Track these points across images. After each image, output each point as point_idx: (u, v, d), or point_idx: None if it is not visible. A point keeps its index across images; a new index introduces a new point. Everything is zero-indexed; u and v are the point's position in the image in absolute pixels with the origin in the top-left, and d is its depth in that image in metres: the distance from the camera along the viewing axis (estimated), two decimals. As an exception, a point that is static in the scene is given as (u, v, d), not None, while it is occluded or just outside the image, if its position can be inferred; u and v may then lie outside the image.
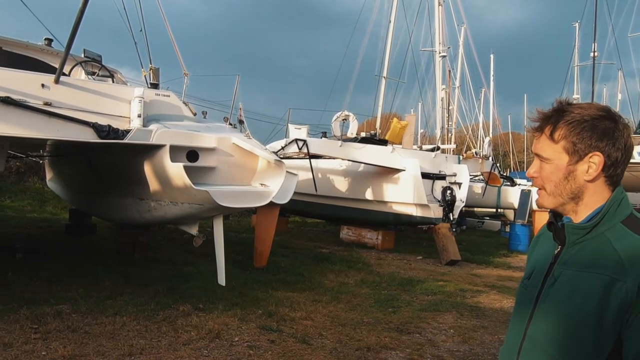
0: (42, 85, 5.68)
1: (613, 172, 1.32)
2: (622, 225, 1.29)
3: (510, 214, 19.59)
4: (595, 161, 1.30)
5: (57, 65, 6.09)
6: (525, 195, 15.81)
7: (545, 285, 1.35)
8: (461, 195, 12.92)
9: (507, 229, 17.75)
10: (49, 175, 12.69)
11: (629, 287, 1.18)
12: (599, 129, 1.29)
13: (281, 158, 7.64)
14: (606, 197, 1.33)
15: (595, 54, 23.54)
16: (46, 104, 5.56)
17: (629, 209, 1.33)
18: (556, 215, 1.42)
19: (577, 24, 36.60)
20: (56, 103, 5.66)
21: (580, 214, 1.35)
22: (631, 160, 1.37)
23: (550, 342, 1.28)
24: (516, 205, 16.27)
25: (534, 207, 15.50)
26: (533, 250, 1.57)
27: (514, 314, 1.51)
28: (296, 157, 12.43)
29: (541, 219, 15.53)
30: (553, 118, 1.35)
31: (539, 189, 1.40)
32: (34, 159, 15.43)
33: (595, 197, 1.33)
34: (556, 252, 1.38)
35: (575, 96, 38.06)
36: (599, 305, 1.21)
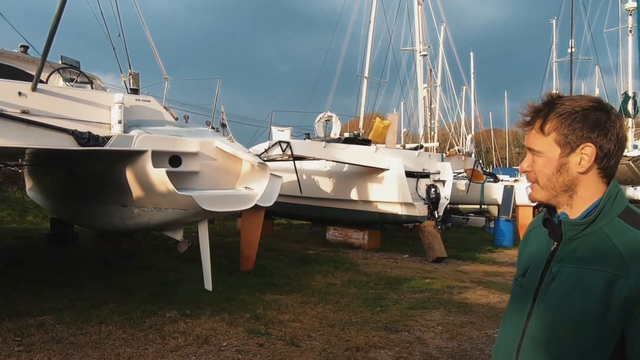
0: (19, 93, 5.58)
1: (606, 164, 1.30)
2: (619, 219, 1.27)
3: (494, 210, 19.79)
4: (587, 152, 1.28)
5: (34, 73, 5.98)
6: (508, 191, 15.98)
7: (543, 282, 1.32)
8: (445, 192, 13.02)
9: (492, 224, 17.94)
10: (28, 184, 12.47)
11: (632, 283, 1.16)
12: (590, 119, 1.27)
13: (265, 160, 7.62)
14: (601, 190, 1.31)
15: (573, 50, 23.96)
16: (24, 112, 5.45)
17: (624, 202, 1.31)
18: (551, 211, 1.40)
19: (554, 21, 37.20)
20: (34, 111, 5.56)
21: (575, 208, 1.33)
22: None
23: (552, 341, 1.26)
24: (500, 201, 16.44)
25: (518, 202, 15.69)
26: (525, 247, 1.54)
27: (509, 311, 1.48)
28: (280, 159, 12.39)
29: (525, 214, 15.73)
30: (544, 111, 1.33)
31: (532, 182, 1.39)
32: (12, 169, 15.15)
33: (590, 190, 1.31)
34: (552, 248, 1.35)
35: (554, 92, 38.61)
36: (602, 302, 1.19)
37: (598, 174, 1.31)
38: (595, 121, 1.27)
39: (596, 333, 1.20)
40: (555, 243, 1.34)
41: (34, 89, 5.69)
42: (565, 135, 1.29)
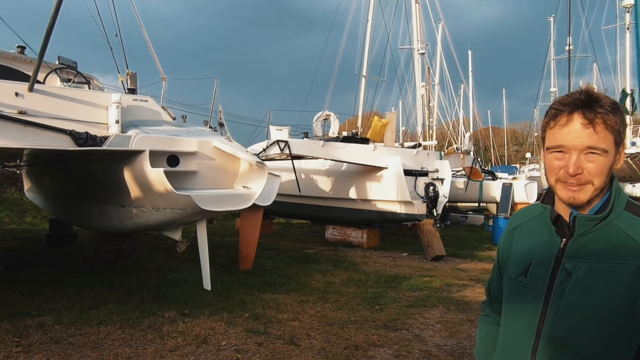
0: (16, 94, 5.57)
1: None
2: (626, 212, 1.29)
3: (493, 208, 19.82)
4: (623, 150, 1.31)
5: (30, 73, 5.97)
6: (506, 189, 16.02)
7: (556, 281, 1.30)
8: (444, 191, 13.02)
9: (490, 222, 17.94)
10: (27, 185, 12.46)
11: None
12: (624, 117, 1.30)
13: (263, 160, 7.62)
14: (608, 185, 1.32)
15: (571, 47, 23.96)
16: (21, 112, 5.45)
17: (625, 195, 1.33)
18: (552, 208, 1.39)
19: (551, 18, 37.32)
20: (31, 111, 5.56)
21: (591, 204, 1.32)
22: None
23: (579, 339, 1.23)
24: (498, 199, 16.48)
25: (516, 200, 15.72)
26: (513, 243, 1.49)
27: (511, 312, 1.44)
28: (278, 158, 12.39)
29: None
30: (595, 106, 1.26)
31: (581, 184, 1.29)
32: (10, 169, 15.13)
33: (606, 186, 1.32)
34: (561, 245, 1.32)
35: (552, 89, 38.74)
36: (630, 294, 1.18)
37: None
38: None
39: (626, 326, 1.19)
40: (564, 240, 1.32)
41: (31, 89, 5.68)
42: (619, 133, 1.28)
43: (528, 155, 39.13)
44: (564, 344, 1.26)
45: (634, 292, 1.18)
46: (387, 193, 12.37)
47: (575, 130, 1.27)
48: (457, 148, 18.66)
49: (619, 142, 1.28)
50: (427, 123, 24.12)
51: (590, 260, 1.25)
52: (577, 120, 1.26)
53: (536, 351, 1.31)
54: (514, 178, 19.21)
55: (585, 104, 1.26)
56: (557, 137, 1.30)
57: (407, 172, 12.40)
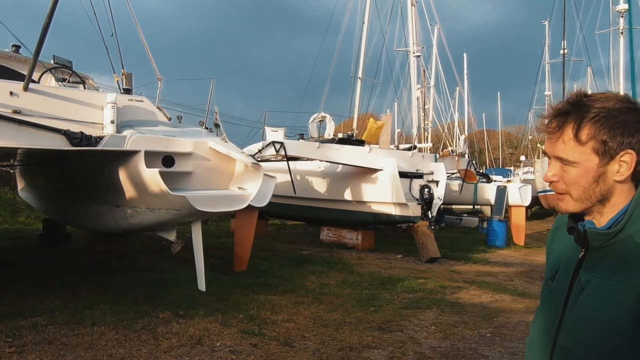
0: (11, 93, 5.55)
1: (639, 168, 1.20)
2: None
3: (487, 210, 19.88)
4: (627, 160, 1.18)
5: (25, 72, 5.95)
6: (501, 192, 16.06)
7: (573, 291, 1.26)
8: (439, 193, 13.06)
9: (485, 225, 18.02)
10: (20, 184, 12.39)
11: None
12: (629, 124, 1.17)
13: (258, 161, 7.62)
14: (630, 194, 1.23)
15: (565, 51, 24.09)
16: (15, 112, 5.43)
17: None
18: (575, 217, 1.30)
19: (546, 22, 37.53)
20: (26, 111, 5.54)
21: (605, 216, 1.25)
22: None
23: (584, 353, 1.20)
24: (493, 202, 16.52)
25: (510, 202, 15.78)
26: (552, 246, 1.47)
27: (540, 318, 1.42)
28: (274, 159, 12.39)
29: (517, 214, 15.82)
30: (573, 114, 1.21)
31: (561, 193, 1.27)
32: (4, 169, 15.04)
33: (623, 196, 1.23)
34: (580, 255, 1.27)
35: (547, 93, 38.92)
36: (632, 316, 1.12)
37: (631, 179, 1.22)
38: (633, 125, 1.18)
39: (629, 345, 1.13)
40: (583, 250, 1.27)
41: (25, 88, 5.66)
42: (604, 143, 1.18)
43: (522, 158, 39.33)
44: (571, 355, 1.24)
45: (638, 314, 1.12)
46: (382, 195, 12.40)
47: (548, 138, 1.25)
48: (452, 150, 18.73)
49: (606, 152, 1.19)
50: (422, 125, 24.16)
51: (604, 275, 1.20)
52: (552, 128, 1.25)
53: (552, 358, 1.30)
54: (508, 181, 19.26)
55: (564, 112, 1.23)
56: (544, 144, 1.30)
57: (402, 174, 12.45)
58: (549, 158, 1.29)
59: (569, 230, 1.32)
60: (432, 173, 13.33)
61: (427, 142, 22.51)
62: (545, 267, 1.49)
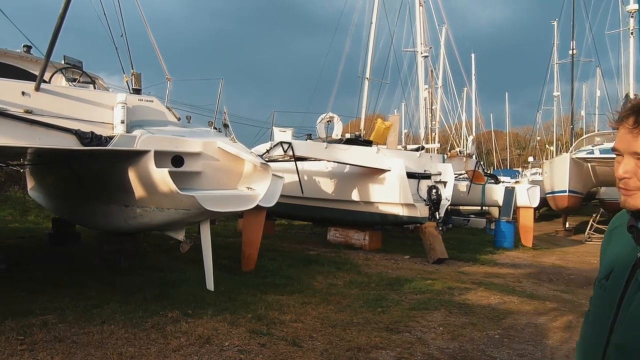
0: (23, 93, 5.60)
1: None
2: None
3: (495, 211, 19.80)
4: None
5: (37, 73, 6.00)
6: (509, 193, 15.98)
7: (629, 289, 1.26)
8: (447, 193, 13.02)
9: (493, 226, 17.93)
10: (30, 184, 12.50)
11: None
12: None
13: (267, 161, 7.63)
14: None
15: (574, 51, 23.96)
16: (27, 111, 5.48)
17: None
18: (636, 215, 1.31)
19: (555, 22, 37.30)
20: (37, 111, 5.58)
21: None
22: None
23: (639, 350, 1.19)
24: (501, 203, 16.44)
25: (518, 203, 15.70)
26: (607, 246, 1.48)
27: (592, 316, 1.43)
28: (282, 159, 12.42)
29: (526, 216, 15.73)
30: None
31: (631, 190, 1.27)
32: (14, 168, 15.18)
33: None
34: (639, 254, 1.26)
35: (555, 93, 38.70)
36: None
37: None
38: None
39: None
40: None
41: (37, 88, 5.71)
42: None
43: (530, 159, 39.09)
44: (628, 354, 1.24)
45: None
46: (390, 195, 12.39)
47: (624, 134, 1.26)
48: (459, 151, 18.64)
49: None
50: (429, 126, 24.13)
51: None
52: (629, 125, 1.26)
53: (605, 357, 1.30)
54: (516, 182, 19.18)
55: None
56: (616, 139, 1.30)
57: (410, 175, 12.43)
58: (618, 155, 1.30)
59: (629, 229, 1.32)
60: (439, 174, 13.30)
61: (434, 143, 22.45)
62: (599, 266, 1.49)
